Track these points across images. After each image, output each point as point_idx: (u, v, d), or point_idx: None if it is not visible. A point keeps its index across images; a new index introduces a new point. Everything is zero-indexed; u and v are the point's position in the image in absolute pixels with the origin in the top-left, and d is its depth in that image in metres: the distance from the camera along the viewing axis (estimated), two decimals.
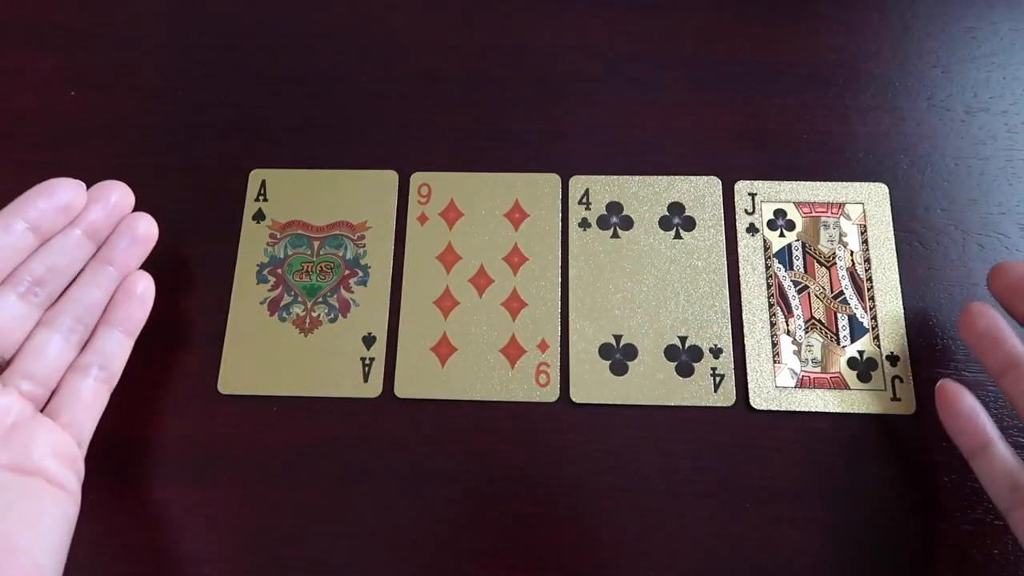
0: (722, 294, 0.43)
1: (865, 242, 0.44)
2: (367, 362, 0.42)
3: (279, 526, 0.39)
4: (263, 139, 0.46)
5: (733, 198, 0.45)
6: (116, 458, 0.40)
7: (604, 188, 0.45)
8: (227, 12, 0.51)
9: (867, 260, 0.43)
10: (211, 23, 0.51)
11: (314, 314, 0.43)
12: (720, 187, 0.45)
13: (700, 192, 0.45)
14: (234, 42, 0.50)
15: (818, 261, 0.43)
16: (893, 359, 0.41)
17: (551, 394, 0.41)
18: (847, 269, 0.43)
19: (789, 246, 0.44)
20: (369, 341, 0.42)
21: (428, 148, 0.46)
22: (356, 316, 0.43)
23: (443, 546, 0.38)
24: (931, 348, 0.42)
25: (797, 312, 0.42)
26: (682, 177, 0.45)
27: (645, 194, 0.45)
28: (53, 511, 0.33)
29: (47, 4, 0.52)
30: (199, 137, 0.47)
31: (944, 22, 0.49)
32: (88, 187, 0.39)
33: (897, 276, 0.43)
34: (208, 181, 0.44)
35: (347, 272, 0.44)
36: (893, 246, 0.43)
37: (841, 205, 0.44)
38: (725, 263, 0.43)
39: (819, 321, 0.42)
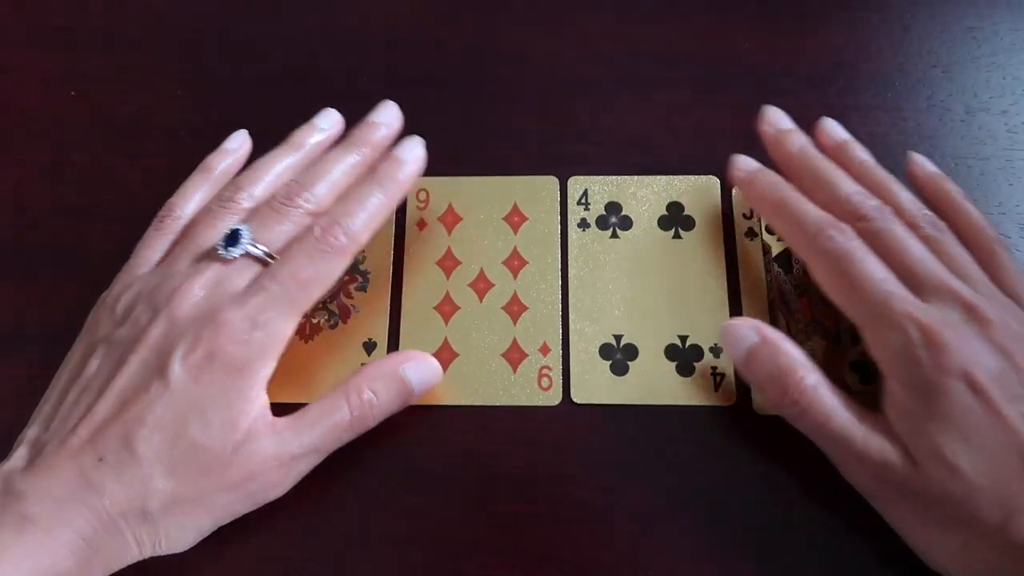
0: (722, 292, 0.41)
1: None
2: None
3: (279, 526, 0.37)
4: (262, 142, 0.44)
5: (731, 200, 0.43)
6: None
7: (603, 188, 0.43)
8: (227, 12, 0.49)
9: None
10: (211, 23, 0.49)
11: (314, 320, 0.41)
12: (719, 186, 0.43)
13: (699, 192, 0.43)
14: (234, 42, 0.49)
15: None
16: None
17: (554, 397, 0.39)
18: None
19: (789, 249, 0.41)
20: (370, 347, 0.40)
21: (427, 149, 0.44)
22: (357, 322, 0.41)
23: (443, 546, 0.37)
24: None
25: (798, 315, 0.40)
26: (680, 177, 0.43)
27: (644, 194, 0.43)
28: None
29: (47, 4, 0.50)
30: (199, 137, 0.45)
31: (944, 22, 0.47)
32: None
33: None
34: None
35: (347, 278, 0.42)
36: None
37: None
38: (724, 262, 0.42)
39: (820, 324, 0.40)
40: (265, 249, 0.36)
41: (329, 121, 0.42)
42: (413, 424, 0.39)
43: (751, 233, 0.42)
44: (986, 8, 0.47)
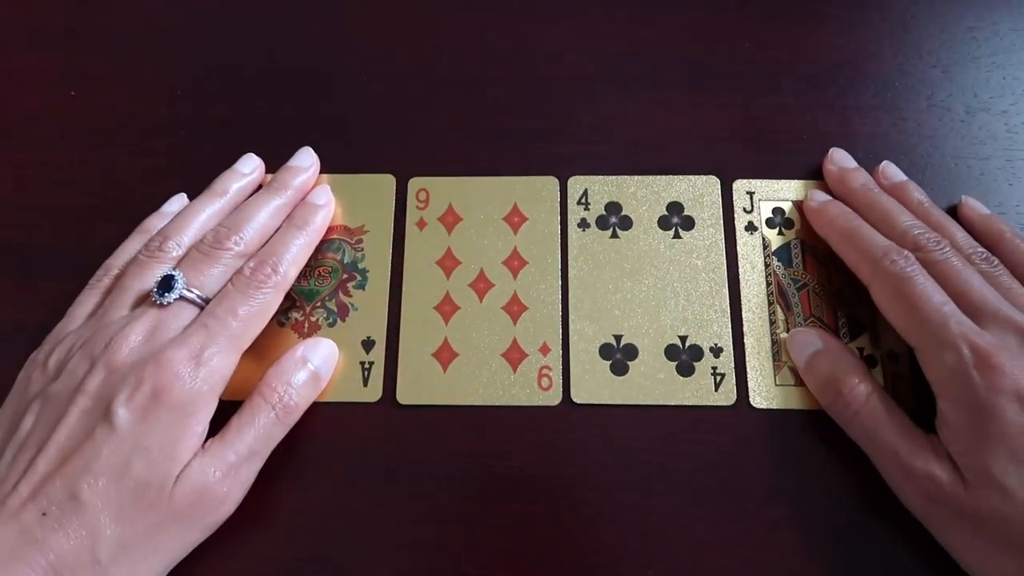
0: (722, 293, 0.41)
1: None
2: (366, 366, 0.39)
3: (279, 526, 0.37)
4: (262, 142, 0.44)
5: (732, 197, 0.43)
6: None
7: (603, 188, 0.43)
8: (227, 12, 0.49)
9: None
10: (211, 23, 0.49)
11: (312, 318, 0.41)
12: (719, 186, 0.43)
13: (699, 191, 0.43)
14: (234, 42, 0.48)
15: (817, 258, 0.41)
16: (894, 356, 0.39)
17: (554, 397, 0.39)
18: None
19: (788, 244, 0.42)
20: (368, 345, 0.40)
21: (426, 150, 0.44)
22: (355, 320, 0.40)
23: (443, 546, 0.37)
24: None
25: (797, 310, 0.40)
26: (680, 176, 0.43)
27: (644, 194, 0.43)
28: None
29: (47, 4, 0.50)
30: (199, 138, 0.45)
31: (944, 22, 0.47)
32: None
33: None
34: (207, 183, 0.42)
35: (345, 276, 0.41)
36: None
37: None
38: (724, 262, 0.41)
39: (819, 319, 0.40)
40: (199, 293, 0.36)
41: (251, 166, 0.43)
42: (413, 424, 0.39)
43: (751, 227, 0.42)
44: (986, 8, 0.47)
